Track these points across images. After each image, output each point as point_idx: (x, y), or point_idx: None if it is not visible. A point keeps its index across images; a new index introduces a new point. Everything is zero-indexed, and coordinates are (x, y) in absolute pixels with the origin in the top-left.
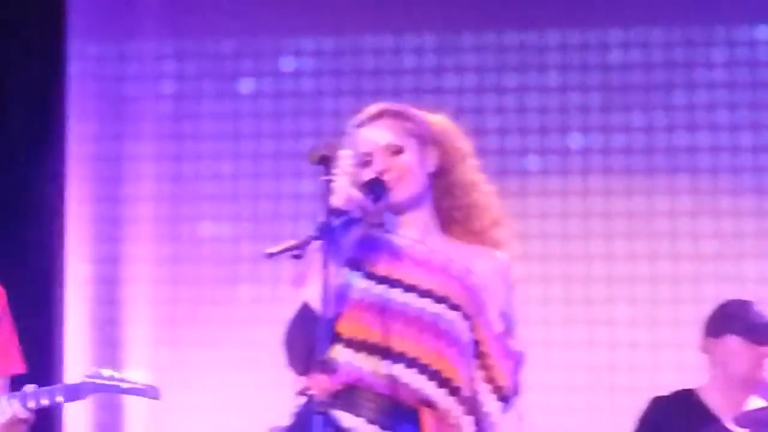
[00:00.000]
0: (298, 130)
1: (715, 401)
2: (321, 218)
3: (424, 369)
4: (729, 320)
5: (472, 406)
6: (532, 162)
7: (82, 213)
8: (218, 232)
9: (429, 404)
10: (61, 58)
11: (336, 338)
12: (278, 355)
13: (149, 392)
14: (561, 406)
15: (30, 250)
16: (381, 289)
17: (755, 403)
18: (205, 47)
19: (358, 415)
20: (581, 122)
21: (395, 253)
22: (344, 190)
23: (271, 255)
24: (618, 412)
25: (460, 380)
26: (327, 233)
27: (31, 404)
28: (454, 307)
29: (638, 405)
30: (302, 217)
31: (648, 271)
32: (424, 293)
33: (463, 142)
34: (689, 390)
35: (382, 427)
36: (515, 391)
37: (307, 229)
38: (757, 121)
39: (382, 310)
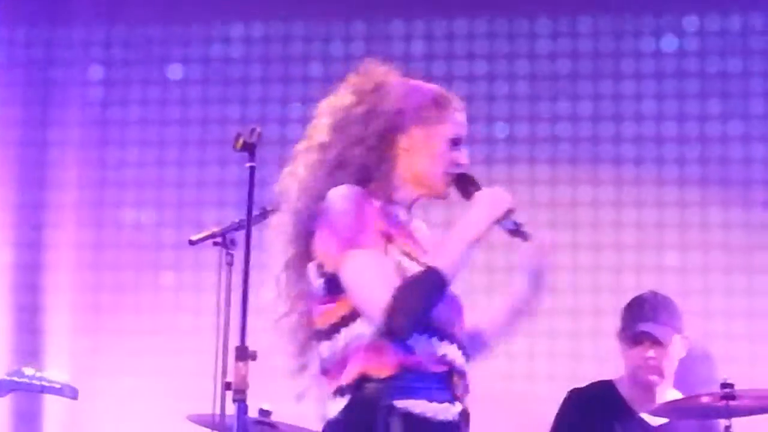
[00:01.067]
0: (224, 117)
1: (629, 393)
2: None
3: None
4: (624, 315)
5: None
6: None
7: (4, 198)
8: (141, 219)
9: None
10: None
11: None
12: (200, 342)
13: (67, 392)
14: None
15: None
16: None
17: (672, 394)
18: (133, 33)
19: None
20: (507, 112)
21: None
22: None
23: (194, 242)
24: (538, 401)
25: None
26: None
27: None
28: None
29: (557, 394)
30: (226, 205)
31: (570, 261)
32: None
33: None
34: (606, 381)
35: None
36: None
37: (231, 216)
38: (682, 112)
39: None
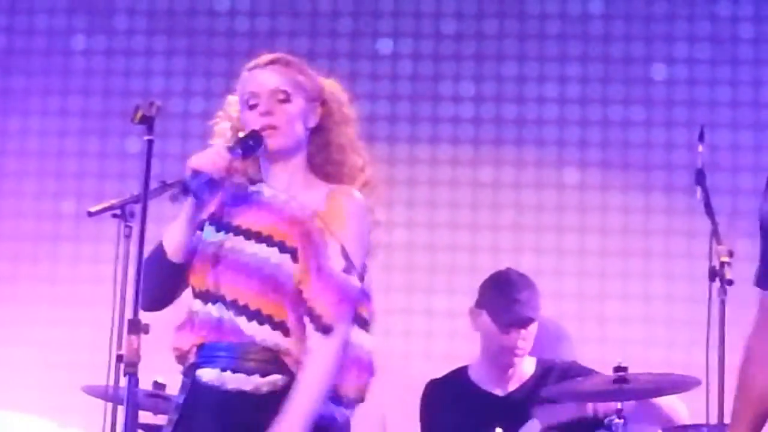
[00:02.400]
0: (127, 89)
1: (486, 375)
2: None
3: (246, 310)
4: (487, 293)
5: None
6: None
7: None
8: (41, 189)
9: (258, 344)
10: None
11: (192, 290)
12: (96, 313)
13: None
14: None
15: None
16: (222, 236)
17: (528, 363)
18: (37, 3)
19: (214, 367)
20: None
21: (249, 204)
22: (210, 153)
23: (93, 213)
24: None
25: (284, 315)
26: (185, 192)
27: None
28: (286, 250)
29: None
30: (127, 177)
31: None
32: (263, 239)
33: (348, 108)
34: (461, 368)
35: (243, 372)
36: (337, 320)
37: (130, 188)
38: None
39: (218, 258)
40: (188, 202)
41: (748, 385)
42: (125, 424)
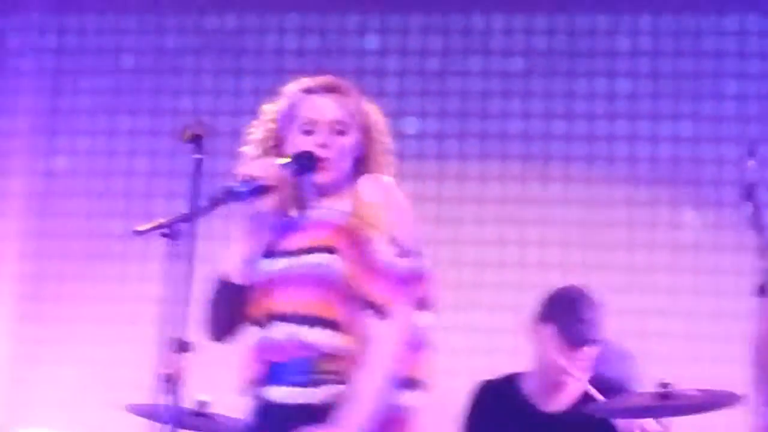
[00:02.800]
0: (176, 108)
1: (537, 388)
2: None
3: (305, 319)
4: (553, 309)
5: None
6: None
7: None
8: (90, 209)
9: (325, 348)
10: None
11: (250, 321)
12: (141, 332)
13: None
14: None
15: None
16: (274, 262)
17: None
18: (86, 22)
19: (281, 385)
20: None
21: (294, 229)
22: (263, 162)
23: (141, 232)
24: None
25: (343, 316)
26: (230, 198)
27: None
28: (332, 251)
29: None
30: (176, 196)
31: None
32: (310, 250)
33: (387, 136)
34: (515, 374)
35: (311, 385)
36: (393, 303)
37: (179, 207)
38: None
39: (273, 281)
40: (240, 224)
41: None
42: None
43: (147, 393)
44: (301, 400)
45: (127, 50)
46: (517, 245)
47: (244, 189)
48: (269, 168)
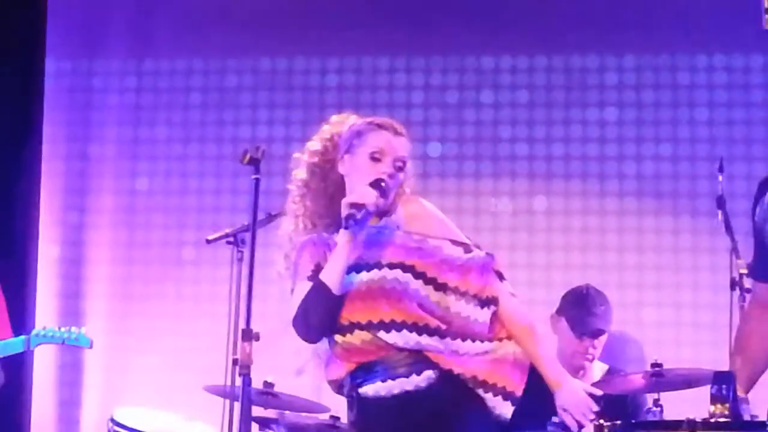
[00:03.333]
0: (236, 136)
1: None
2: (344, 213)
3: (391, 325)
4: (568, 304)
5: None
6: None
7: (52, 203)
8: (166, 222)
9: (423, 348)
10: (40, 72)
11: (348, 323)
12: (215, 325)
13: (83, 341)
14: None
15: (10, 234)
16: (370, 273)
17: (597, 367)
18: (159, 65)
19: (374, 382)
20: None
21: (381, 244)
22: (363, 189)
23: (210, 241)
24: None
25: (432, 323)
26: (354, 225)
27: None
28: (418, 276)
29: None
30: (239, 210)
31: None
32: (400, 267)
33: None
34: None
35: (400, 377)
36: (492, 287)
37: (241, 219)
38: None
39: (369, 290)
40: (344, 242)
41: (743, 345)
42: (241, 418)
43: (221, 376)
44: (396, 391)
45: (195, 89)
46: (525, 250)
47: (359, 216)
48: (370, 195)
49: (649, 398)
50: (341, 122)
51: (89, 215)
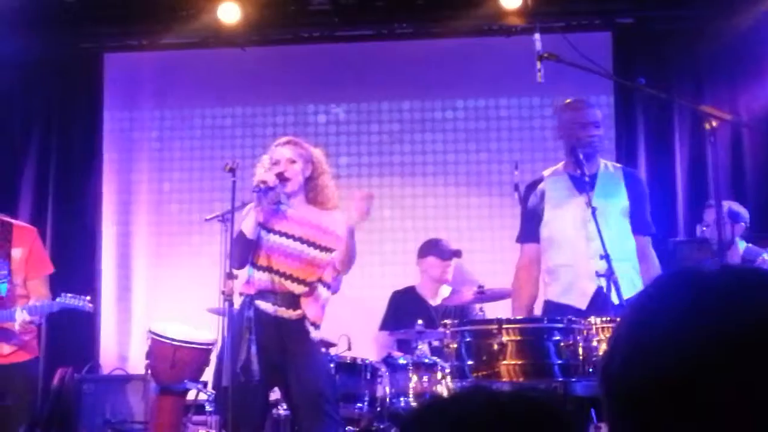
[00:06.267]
0: (223, 155)
1: (423, 292)
2: (255, 187)
3: (295, 279)
4: (428, 246)
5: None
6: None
7: (110, 201)
8: (180, 208)
9: (300, 294)
10: (99, 119)
11: (255, 265)
12: (210, 271)
13: (87, 308)
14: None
15: (81, 221)
16: (276, 237)
17: (445, 290)
18: (174, 113)
19: (267, 302)
20: None
21: (285, 217)
22: (267, 175)
23: (208, 219)
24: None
25: (314, 279)
26: (262, 193)
27: (34, 312)
28: (318, 247)
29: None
30: (225, 200)
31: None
32: (299, 239)
33: (325, 165)
34: (412, 286)
35: (282, 306)
36: (335, 287)
37: (226, 206)
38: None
39: (276, 250)
40: (252, 204)
41: (517, 294)
42: (229, 327)
43: (216, 301)
44: (279, 315)
45: (196, 128)
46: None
47: (263, 188)
48: (270, 176)
49: (477, 307)
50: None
51: (132, 208)
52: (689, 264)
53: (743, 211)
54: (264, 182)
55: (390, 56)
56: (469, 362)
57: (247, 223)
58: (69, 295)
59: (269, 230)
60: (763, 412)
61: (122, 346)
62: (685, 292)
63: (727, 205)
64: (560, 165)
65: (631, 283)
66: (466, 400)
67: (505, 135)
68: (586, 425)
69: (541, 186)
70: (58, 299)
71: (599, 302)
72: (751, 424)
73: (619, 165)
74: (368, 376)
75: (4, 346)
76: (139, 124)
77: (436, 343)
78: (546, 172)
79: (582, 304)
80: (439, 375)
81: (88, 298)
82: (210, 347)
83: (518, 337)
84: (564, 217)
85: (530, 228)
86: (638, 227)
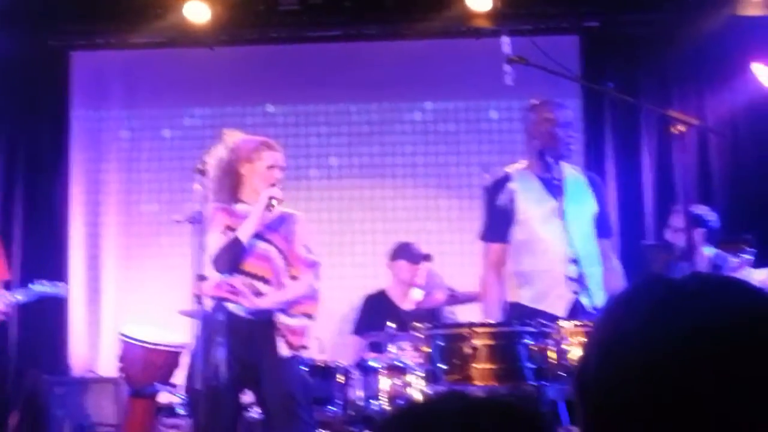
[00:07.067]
0: (192, 155)
1: (394, 295)
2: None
3: (260, 279)
4: (399, 249)
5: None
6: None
7: (78, 202)
8: (151, 209)
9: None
10: (67, 118)
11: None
12: (184, 273)
13: (63, 292)
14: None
15: (49, 221)
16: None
17: (417, 293)
18: (143, 112)
19: (238, 304)
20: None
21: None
22: (278, 192)
23: (178, 221)
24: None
25: (280, 278)
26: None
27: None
28: (276, 248)
29: None
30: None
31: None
32: (267, 241)
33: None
34: (382, 289)
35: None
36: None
37: (197, 206)
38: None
39: (250, 253)
40: (257, 215)
41: (484, 293)
42: (200, 329)
43: (188, 303)
44: (246, 316)
45: (167, 126)
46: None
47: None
48: (280, 194)
49: (448, 310)
50: (232, 136)
51: (101, 208)
52: (657, 267)
53: (709, 215)
54: (279, 201)
55: (359, 57)
56: (442, 366)
57: (245, 231)
58: (44, 281)
59: (256, 236)
60: (739, 413)
61: (93, 348)
62: (658, 298)
63: (692, 209)
64: (524, 164)
65: (600, 288)
66: (440, 405)
67: (474, 137)
68: (556, 428)
69: (511, 185)
70: (32, 287)
71: (580, 309)
72: (725, 425)
73: (579, 168)
74: (341, 379)
75: None
76: (107, 123)
77: (407, 346)
78: (510, 169)
79: (559, 310)
80: (411, 378)
81: (63, 283)
82: (181, 350)
83: (490, 342)
84: (538, 220)
85: (499, 227)
86: (603, 231)
